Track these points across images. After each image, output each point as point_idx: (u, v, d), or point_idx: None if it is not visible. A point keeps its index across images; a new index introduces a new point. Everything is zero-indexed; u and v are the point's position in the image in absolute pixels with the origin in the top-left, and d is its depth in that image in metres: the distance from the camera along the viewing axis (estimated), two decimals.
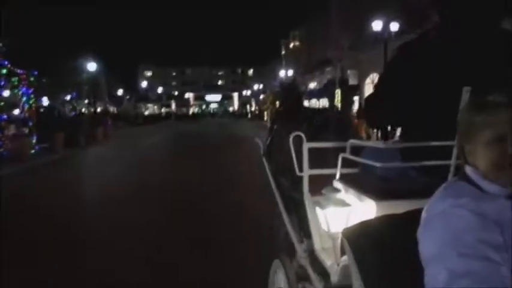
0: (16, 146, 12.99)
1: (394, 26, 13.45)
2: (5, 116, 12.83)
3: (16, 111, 14.24)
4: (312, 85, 36.12)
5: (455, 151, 1.26)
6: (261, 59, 70.28)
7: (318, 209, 1.84)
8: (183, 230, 5.30)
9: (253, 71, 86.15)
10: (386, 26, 13.68)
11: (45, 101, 30.76)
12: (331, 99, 21.58)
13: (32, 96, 14.76)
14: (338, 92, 18.62)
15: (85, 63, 23.56)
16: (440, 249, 0.85)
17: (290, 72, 37.21)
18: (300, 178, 2.07)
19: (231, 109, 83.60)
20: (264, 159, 3.12)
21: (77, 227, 5.64)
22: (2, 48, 12.56)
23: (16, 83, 14.90)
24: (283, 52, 58.86)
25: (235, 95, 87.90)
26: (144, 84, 67.12)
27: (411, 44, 1.74)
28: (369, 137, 11.91)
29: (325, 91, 25.68)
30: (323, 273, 1.90)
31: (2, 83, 12.67)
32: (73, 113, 20.10)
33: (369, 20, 17.33)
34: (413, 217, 1.02)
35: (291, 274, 2.23)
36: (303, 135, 2.03)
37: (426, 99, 1.54)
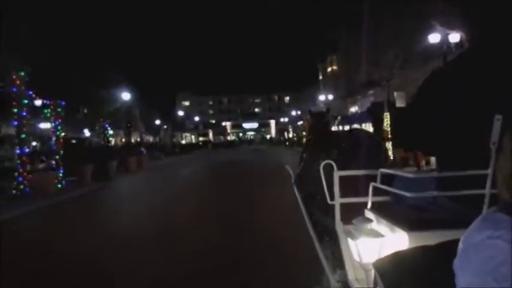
0: (39, 181, 12.13)
1: (454, 37, 11.80)
2: (27, 150, 12.01)
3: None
4: (353, 109, 34.39)
5: (489, 180, 1.28)
6: (297, 85, 69.19)
7: (349, 240, 1.74)
8: (210, 273, 4.63)
9: (290, 98, 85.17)
10: (444, 38, 12.05)
11: (87, 132, 30.94)
12: (377, 124, 19.70)
13: (60, 127, 14.04)
14: (387, 116, 16.79)
15: (119, 93, 23.11)
16: (478, 283, 0.82)
17: (330, 97, 35.61)
18: (332, 206, 2.03)
19: (268, 136, 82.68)
20: (295, 188, 3.25)
21: (90, 273, 4.91)
22: (25, 77, 11.83)
23: (49, 115, 14.33)
24: (320, 77, 57.75)
25: (272, 122, 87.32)
26: (180, 113, 67.39)
27: (444, 69, 1.11)
28: (428, 163, 10.63)
29: (370, 115, 23.87)
30: None
31: (24, 114, 11.88)
32: (107, 145, 19.34)
33: (418, 35, 15.80)
34: (448, 248, 0.98)
35: None
36: (333, 163, 2.03)
37: (458, 128, 1.48)
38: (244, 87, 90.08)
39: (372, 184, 1.81)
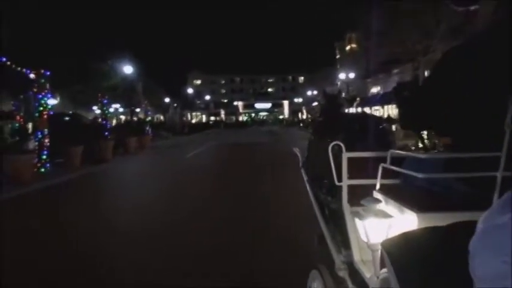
0: (15, 164, 10.29)
1: None
2: None
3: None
4: (375, 90, 31.94)
5: (502, 163, 1.22)
6: (312, 65, 66.52)
7: (357, 220, 1.71)
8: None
9: (305, 78, 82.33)
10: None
11: (98, 110, 29.16)
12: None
13: (43, 101, 12.15)
14: None
15: (120, 67, 21.06)
16: (500, 267, 0.76)
17: (352, 75, 33.09)
18: (339, 188, 2.02)
19: (281, 117, 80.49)
20: (302, 171, 3.17)
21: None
22: None
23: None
24: (337, 56, 55.04)
25: (286, 102, 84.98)
26: (190, 91, 65.20)
27: (460, 46, 1.48)
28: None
29: (396, 96, 21.42)
30: (362, 285, 1.85)
31: None
32: (104, 122, 17.45)
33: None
34: (457, 230, 0.95)
35: (329, 285, 2.15)
36: (342, 144, 1.99)
37: (470, 107, 1.37)
38: (257, 66, 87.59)
39: (381, 165, 1.66)
